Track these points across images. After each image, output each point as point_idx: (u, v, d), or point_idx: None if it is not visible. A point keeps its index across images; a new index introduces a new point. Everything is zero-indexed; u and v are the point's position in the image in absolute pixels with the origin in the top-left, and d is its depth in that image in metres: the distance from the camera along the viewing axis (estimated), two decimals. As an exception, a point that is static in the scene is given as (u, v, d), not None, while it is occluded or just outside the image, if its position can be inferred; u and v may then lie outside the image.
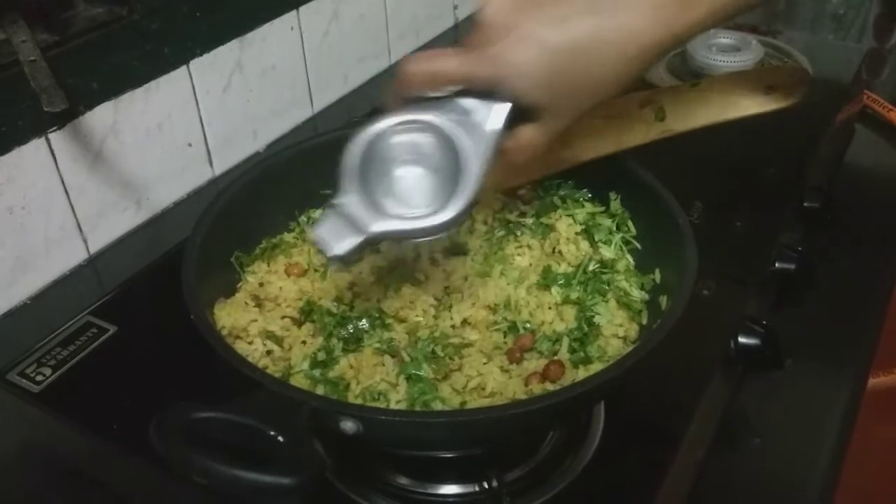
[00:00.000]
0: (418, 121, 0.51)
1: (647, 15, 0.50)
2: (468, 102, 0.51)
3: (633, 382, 0.57)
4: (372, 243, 0.51)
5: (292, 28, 0.99)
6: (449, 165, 0.51)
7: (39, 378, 0.64)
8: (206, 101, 0.91)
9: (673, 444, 0.60)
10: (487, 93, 0.51)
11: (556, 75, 0.50)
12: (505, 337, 0.59)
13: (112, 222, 0.85)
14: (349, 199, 0.50)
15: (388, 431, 0.48)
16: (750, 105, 0.64)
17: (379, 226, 0.50)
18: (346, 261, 0.51)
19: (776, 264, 0.78)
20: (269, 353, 0.56)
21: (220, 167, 0.96)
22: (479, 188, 0.50)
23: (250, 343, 0.56)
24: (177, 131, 0.89)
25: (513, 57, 0.50)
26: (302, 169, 0.67)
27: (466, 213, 0.51)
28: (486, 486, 0.56)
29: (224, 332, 0.56)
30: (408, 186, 0.51)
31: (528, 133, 0.54)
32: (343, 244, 0.49)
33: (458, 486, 0.58)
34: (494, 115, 0.51)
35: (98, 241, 0.84)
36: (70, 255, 0.82)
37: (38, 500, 0.64)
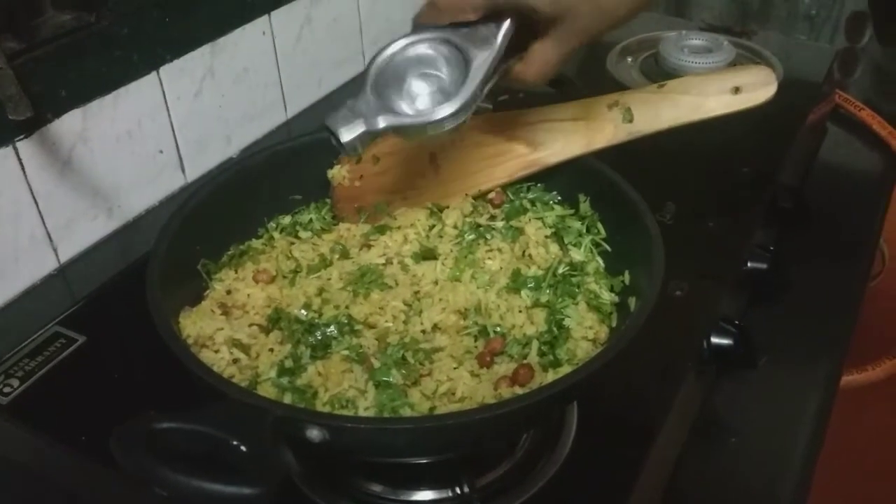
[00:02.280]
0: (434, 37, 0.57)
1: None
2: (481, 24, 0.56)
3: (606, 383, 0.57)
4: (377, 135, 0.55)
5: (264, 33, 0.98)
6: (459, 77, 0.56)
7: (7, 390, 0.63)
8: (176, 107, 0.90)
9: (647, 444, 0.60)
10: (498, 15, 0.56)
11: None
12: (476, 341, 0.59)
13: (83, 231, 0.84)
14: (363, 99, 0.55)
15: (355, 439, 0.48)
16: (717, 106, 0.64)
17: (385, 119, 0.55)
18: (351, 148, 0.55)
19: (749, 264, 0.78)
20: (235, 361, 0.55)
21: (192, 173, 0.95)
22: (479, 90, 0.55)
23: (216, 352, 0.55)
24: (147, 138, 0.88)
25: None
26: (270, 174, 0.67)
27: (465, 111, 0.55)
28: (458, 491, 0.56)
29: (189, 341, 0.55)
30: (418, 93, 0.56)
31: (540, 49, 0.57)
32: (350, 132, 0.54)
33: (430, 492, 0.57)
34: (503, 30, 0.56)
35: (69, 250, 0.84)
36: (40, 265, 0.81)
37: (5, 513, 0.63)
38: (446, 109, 0.54)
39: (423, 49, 0.57)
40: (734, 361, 0.71)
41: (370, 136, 0.55)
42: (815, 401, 0.73)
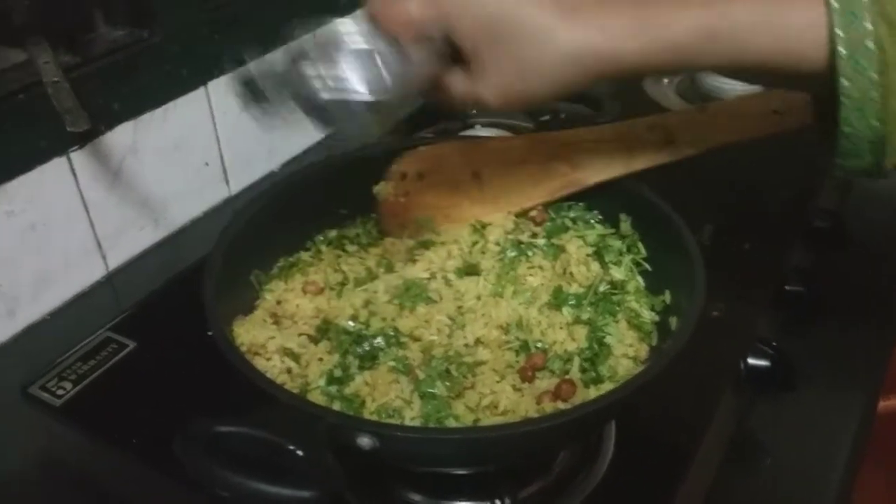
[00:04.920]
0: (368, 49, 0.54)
1: (609, 29, 0.50)
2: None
3: (644, 402, 0.57)
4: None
5: (308, 51, 1.01)
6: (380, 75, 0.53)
7: (60, 392, 0.65)
8: (222, 121, 0.93)
9: (684, 464, 0.60)
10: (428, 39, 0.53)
11: (495, 37, 0.51)
12: (517, 356, 0.60)
13: (130, 240, 0.87)
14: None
15: (404, 448, 0.49)
16: (758, 128, 0.65)
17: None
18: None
19: (786, 286, 0.79)
20: (289, 370, 0.57)
21: (235, 186, 0.97)
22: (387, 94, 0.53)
23: (269, 360, 0.57)
24: (194, 150, 0.91)
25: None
26: (319, 189, 0.69)
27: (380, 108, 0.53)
28: (498, 503, 0.57)
29: (243, 349, 0.57)
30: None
31: (454, 76, 0.54)
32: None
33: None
34: (424, 56, 0.54)
35: (116, 258, 0.86)
36: (89, 272, 0.84)
37: (57, 514, 0.65)
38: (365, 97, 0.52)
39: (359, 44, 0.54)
40: (771, 383, 0.72)
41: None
42: (852, 424, 0.73)
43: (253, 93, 0.55)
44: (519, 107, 0.55)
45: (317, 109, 0.54)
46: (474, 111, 0.55)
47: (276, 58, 0.56)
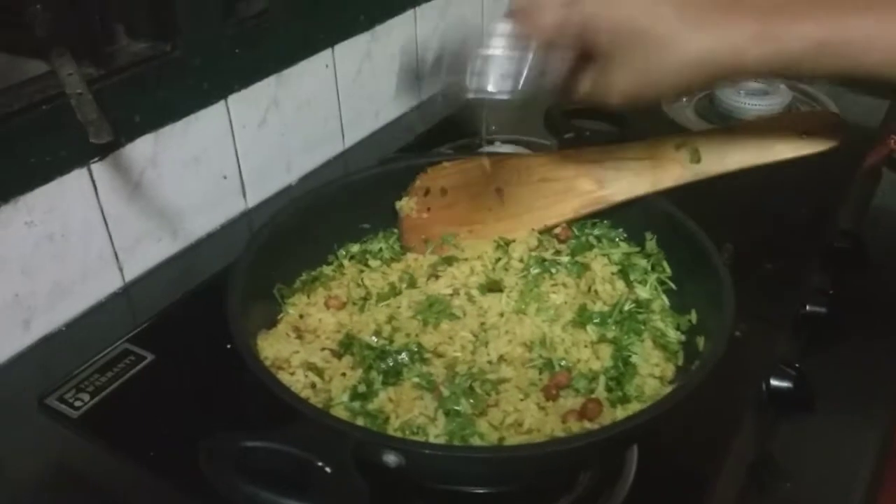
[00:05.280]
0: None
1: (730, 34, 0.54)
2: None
3: (666, 423, 0.57)
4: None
5: (327, 66, 1.01)
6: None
7: (78, 404, 0.64)
8: (242, 134, 0.93)
9: (705, 487, 0.59)
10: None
11: (628, 39, 0.56)
12: (540, 374, 0.59)
13: (148, 251, 0.87)
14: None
15: (431, 465, 0.48)
16: (785, 149, 0.65)
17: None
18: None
19: (807, 307, 0.78)
20: (313, 385, 0.56)
21: (253, 199, 0.97)
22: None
23: (292, 374, 0.57)
24: (213, 164, 0.91)
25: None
26: (341, 204, 0.68)
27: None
28: (520, 523, 0.56)
29: (267, 363, 0.56)
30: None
31: (582, 74, 0.60)
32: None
33: (491, 523, 0.58)
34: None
35: (133, 270, 0.86)
36: (106, 283, 0.83)
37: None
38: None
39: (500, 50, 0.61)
40: (792, 405, 0.71)
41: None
42: (873, 447, 0.72)
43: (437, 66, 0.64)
44: (639, 104, 0.59)
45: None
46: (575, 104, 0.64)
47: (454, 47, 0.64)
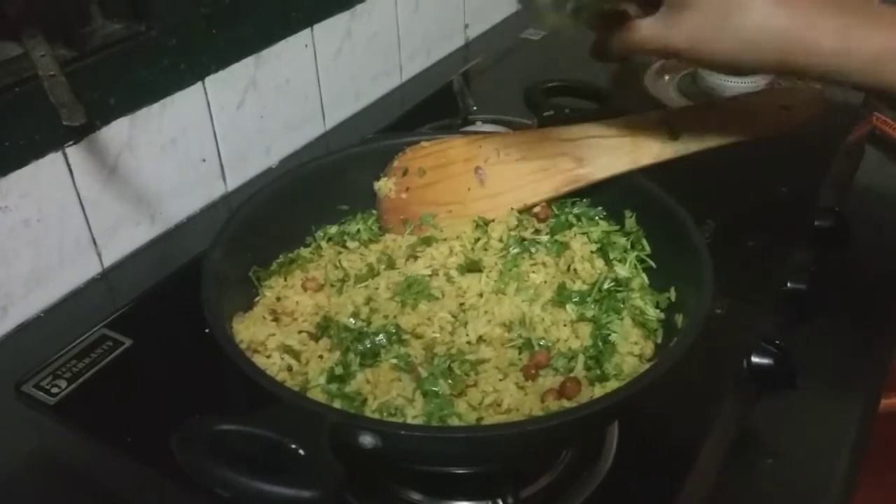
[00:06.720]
0: None
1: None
2: None
3: (647, 400, 0.57)
4: None
5: (306, 46, 1.00)
6: None
7: (55, 390, 0.64)
8: (220, 116, 0.92)
9: (687, 463, 0.59)
10: None
11: None
12: (520, 354, 0.59)
13: (126, 236, 0.86)
14: None
15: (407, 446, 0.48)
16: (765, 125, 0.65)
17: None
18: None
19: (788, 283, 0.78)
20: (289, 368, 0.56)
21: (232, 182, 0.96)
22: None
23: (268, 357, 0.56)
24: (191, 146, 0.90)
25: None
26: (319, 184, 0.68)
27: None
28: (500, 502, 0.56)
29: (243, 346, 0.56)
30: None
31: (645, 20, 0.58)
32: None
33: (471, 503, 0.57)
34: None
35: (112, 255, 0.85)
36: (84, 269, 0.83)
37: (51, 512, 0.64)
38: None
39: None
40: (774, 382, 0.71)
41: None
42: (854, 423, 0.72)
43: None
44: (699, 62, 0.58)
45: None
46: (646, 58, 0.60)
47: None
